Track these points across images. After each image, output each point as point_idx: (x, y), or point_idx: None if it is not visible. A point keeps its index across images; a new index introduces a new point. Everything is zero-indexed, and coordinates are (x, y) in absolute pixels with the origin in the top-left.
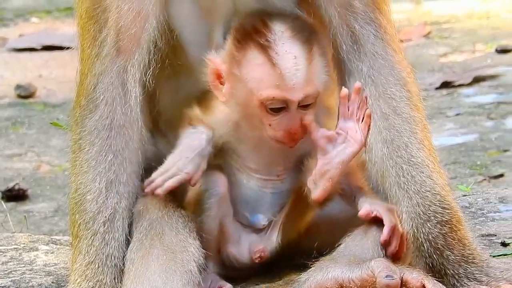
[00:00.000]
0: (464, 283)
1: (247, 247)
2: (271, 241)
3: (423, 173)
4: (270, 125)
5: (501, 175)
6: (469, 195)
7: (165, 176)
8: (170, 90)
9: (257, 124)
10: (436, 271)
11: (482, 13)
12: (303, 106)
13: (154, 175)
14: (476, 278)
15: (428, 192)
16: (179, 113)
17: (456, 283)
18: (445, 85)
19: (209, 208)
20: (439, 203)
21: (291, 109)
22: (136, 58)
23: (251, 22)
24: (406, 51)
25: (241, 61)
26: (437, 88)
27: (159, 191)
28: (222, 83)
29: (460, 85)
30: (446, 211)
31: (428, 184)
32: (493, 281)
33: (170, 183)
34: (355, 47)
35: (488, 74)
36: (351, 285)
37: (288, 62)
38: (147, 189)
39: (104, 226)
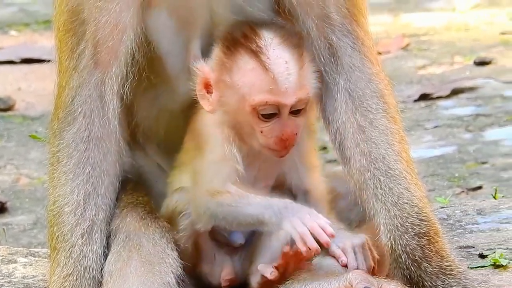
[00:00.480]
0: None
1: (219, 268)
2: (244, 266)
3: (400, 185)
4: (262, 132)
5: (479, 187)
6: (447, 207)
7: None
8: (148, 102)
9: (247, 133)
10: (414, 283)
11: (460, 26)
12: (295, 112)
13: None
14: None
15: (406, 204)
16: (157, 125)
17: None
18: (424, 97)
19: (184, 229)
20: (416, 215)
21: (283, 115)
22: (113, 71)
23: (239, 29)
24: (385, 63)
25: (231, 68)
26: (415, 100)
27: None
28: (210, 92)
29: (439, 97)
30: (424, 223)
31: (405, 196)
32: None
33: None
34: (332, 60)
35: (467, 86)
36: None
37: (280, 67)
38: None
39: (82, 238)
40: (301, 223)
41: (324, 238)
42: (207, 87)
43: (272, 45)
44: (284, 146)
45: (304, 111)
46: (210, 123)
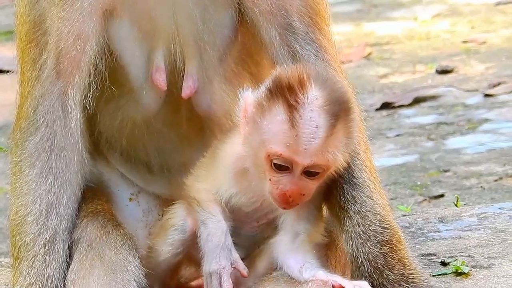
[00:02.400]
0: None
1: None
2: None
3: (363, 193)
4: (270, 180)
5: (441, 195)
6: (409, 215)
7: (214, 284)
8: (111, 112)
9: (259, 176)
10: None
11: (422, 34)
12: (309, 173)
13: None
14: None
15: (369, 212)
16: (119, 134)
17: None
18: (386, 106)
19: (171, 244)
20: (379, 223)
21: (295, 172)
22: (76, 81)
23: (289, 77)
24: (347, 72)
25: (265, 112)
26: (377, 109)
27: None
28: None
29: (401, 106)
30: (386, 231)
31: (368, 204)
32: None
33: (226, 286)
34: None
35: (429, 94)
36: None
37: (308, 129)
38: None
39: (45, 248)
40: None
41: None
42: (245, 117)
43: (311, 105)
44: (287, 202)
45: (321, 176)
46: (231, 146)
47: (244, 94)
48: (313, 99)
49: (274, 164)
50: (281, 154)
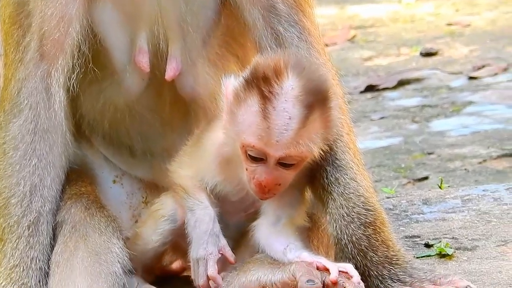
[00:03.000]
0: (388, 284)
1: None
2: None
3: (347, 175)
4: (246, 169)
5: (426, 178)
6: (393, 197)
7: (201, 270)
8: (94, 94)
9: (238, 164)
10: (360, 272)
11: (406, 17)
12: (284, 164)
13: (192, 275)
14: (400, 279)
15: (352, 194)
16: (102, 117)
17: (380, 284)
18: (370, 88)
19: (161, 233)
20: (362, 205)
21: (269, 163)
22: (59, 63)
23: (265, 67)
24: (331, 55)
25: (241, 102)
26: (361, 92)
27: (206, 282)
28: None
29: (385, 89)
30: (370, 212)
31: (352, 186)
32: (416, 282)
33: (211, 272)
34: (279, 50)
35: (413, 77)
36: None
37: (280, 120)
38: None
39: (29, 230)
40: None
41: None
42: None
43: (285, 96)
44: (263, 191)
45: (296, 166)
46: (215, 134)
47: (226, 81)
48: (288, 89)
49: (249, 155)
50: (253, 146)
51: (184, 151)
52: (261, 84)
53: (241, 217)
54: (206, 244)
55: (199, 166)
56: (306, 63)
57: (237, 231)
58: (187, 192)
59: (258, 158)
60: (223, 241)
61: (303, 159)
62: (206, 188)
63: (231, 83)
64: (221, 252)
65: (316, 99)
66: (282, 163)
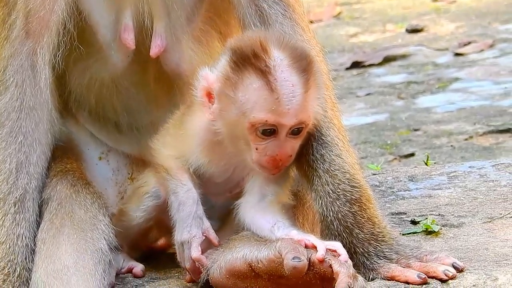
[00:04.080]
0: (374, 261)
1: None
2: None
3: (332, 151)
4: (256, 149)
5: (412, 154)
6: (379, 173)
7: (186, 253)
8: (79, 71)
9: (242, 147)
10: (346, 249)
11: None
12: (293, 133)
13: (178, 257)
14: (386, 256)
15: (337, 171)
16: (88, 93)
17: (366, 261)
18: (356, 65)
19: (145, 210)
20: (348, 182)
21: (280, 135)
22: (45, 41)
23: (250, 46)
24: (316, 31)
25: (236, 84)
26: (347, 68)
27: (193, 264)
28: (211, 101)
29: (371, 65)
30: (355, 189)
31: (337, 163)
32: (403, 258)
33: (194, 254)
34: (263, 27)
35: (399, 54)
36: (259, 265)
37: (286, 88)
38: (187, 277)
39: (15, 207)
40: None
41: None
42: (209, 96)
43: (281, 66)
44: (277, 165)
45: (303, 133)
46: (199, 118)
47: (202, 73)
48: (280, 61)
49: (259, 132)
50: (266, 120)
51: (166, 130)
52: (253, 61)
53: (226, 198)
54: (190, 227)
55: (182, 147)
56: (280, 35)
57: (222, 211)
58: (169, 174)
59: (268, 133)
60: (207, 223)
61: (308, 124)
62: (189, 169)
63: (210, 73)
64: (205, 234)
65: (306, 64)
66: (292, 132)
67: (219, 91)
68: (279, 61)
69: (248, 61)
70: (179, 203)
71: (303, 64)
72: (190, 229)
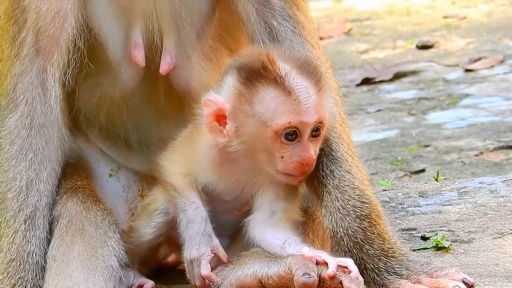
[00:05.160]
0: (384, 277)
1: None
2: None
3: (342, 167)
4: (282, 157)
5: (422, 170)
6: (389, 189)
7: (196, 271)
8: (89, 88)
9: (264, 161)
10: (356, 265)
11: (402, 10)
12: (314, 134)
13: (188, 275)
14: (396, 272)
15: (347, 187)
16: (98, 110)
17: (376, 277)
18: (366, 81)
19: (155, 226)
20: (358, 198)
21: (303, 138)
22: (55, 58)
23: (257, 60)
24: (327, 48)
25: (251, 98)
26: (358, 85)
27: (203, 282)
28: (223, 124)
29: (381, 81)
30: (365, 205)
31: (347, 179)
32: (413, 274)
33: (204, 272)
34: (273, 44)
35: (409, 70)
36: (269, 281)
37: (301, 90)
38: None
39: (25, 224)
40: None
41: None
42: (220, 119)
43: (291, 74)
44: (303, 171)
45: (321, 135)
46: (208, 136)
47: (209, 98)
48: (289, 70)
49: (284, 137)
50: (289, 122)
51: (174, 147)
52: (264, 73)
53: (235, 216)
54: (199, 245)
55: (191, 165)
56: (280, 49)
57: (232, 229)
58: (177, 191)
59: (291, 138)
60: (216, 241)
61: (325, 124)
62: (198, 186)
63: (217, 96)
64: (214, 252)
65: (312, 68)
66: (312, 134)
67: (233, 109)
68: (288, 70)
69: (259, 74)
70: (187, 221)
71: (310, 70)
72: (199, 247)
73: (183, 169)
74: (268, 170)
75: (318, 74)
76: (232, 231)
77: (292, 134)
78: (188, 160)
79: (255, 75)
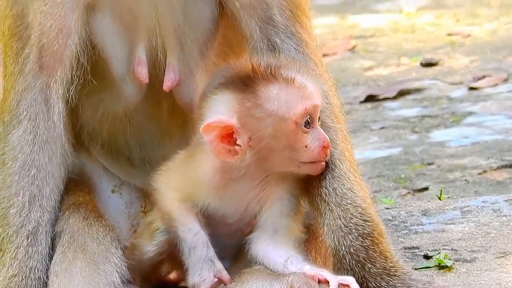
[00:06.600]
0: None
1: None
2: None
3: (344, 185)
4: (306, 147)
5: (426, 188)
6: (392, 208)
7: None
8: (92, 104)
9: (286, 159)
10: (358, 284)
11: (407, 27)
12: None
13: None
14: None
15: (349, 205)
16: (101, 126)
17: None
18: (370, 98)
19: (157, 245)
20: (360, 216)
21: (315, 123)
22: (58, 75)
23: (243, 68)
24: (331, 64)
25: (258, 101)
26: (361, 102)
27: None
28: (232, 141)
29: (385, 99)
30: (368, 223)
31: (349, 197)
32: None
33: None
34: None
35: (413, 87)
36: None
37: (299, 78)
38: None
39: (28, 239)
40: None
41: None
42: (227, 138)
43: (281, 69)
44: (326, 153)
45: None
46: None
47: (210, 121)
48: (276, 65)
49: (304, 125)
50: (305, 108)
51: (168, 171)
52: (258, 75)
53: (238, 237)
54: (201, 271)
55: (190, 190)
56: (266, 59)
57: (234, 250)
58: (174, 219)
59: (308, 126)
60: (218, 265)
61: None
62: (195, 210)
63: (217, 116)
64: (217, 276)
65: (297, 65)
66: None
67: (241, 120)
68: (275, 64)
69: (254, 77)
70: (189, 247)
71: (295, 66)
72: (201, 273)
73: (180, 195)
74: (288, 168)
75: (297, 62)
76: (234, 252)
77: (307, 121)
78: (186, 185)
79: (251, 79)
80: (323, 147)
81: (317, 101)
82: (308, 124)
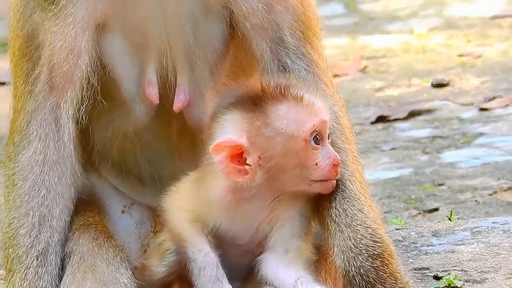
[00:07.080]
0: None
1: None
2: None
3: (354, 206)
4: (316, 164)
5: (436, 209)
6: (402, 228)
7: None
8: (103, 124)
9: (297, 177)
10: None
11: (418, 48)
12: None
13: None
14: None
15: (359, 226)
16: (111, 146)
17: None
18: (381, 119)
19: (167, 265)
20: (370, 237)
21: (324, 140)
22: (69, 95)
23: (252, 88)
24: (342, 85)
25: (266, 119)
26: (372, 123)
27: None
28: (242, 161)
29: (396, 119)
30: (378, 244)
31: (359, 218)
32: None
33: None
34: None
35: (424, 108)
36: None
37: (307, 95)
38: None
39: (37, 260)
40: None
41: None
42: (237, 157)
43: (290, 88)
44: (337, 171)
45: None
46: (221, 178)
47: (219, 141)
48: (285, 84)
49: (313, 142)
50: (314, 124)
51: (178, 192)
52: (267, 94)
53: (249, 258)
54: None
55: (200, 211)
56: (275, 78)
57: (245, 270)
58: (184, 240)
59: (317, 142)
60: (228, 287)
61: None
62: (205, 231)
63: (226, 136)
64: None
65: (304, 86)
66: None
67: (250, 140)
68: (284, 84)
69: (263, 96)
70: (198, 269)
71: (304, 85)
72: None
73: (190, 216)
74: (299, 186)
75: (305, 82)
76: (244, 273)
77: (317, 138)
78: (196, 206)
79: (260, 98)
80: (334, 165)
81: (325, 117)
82: (318, 141)
